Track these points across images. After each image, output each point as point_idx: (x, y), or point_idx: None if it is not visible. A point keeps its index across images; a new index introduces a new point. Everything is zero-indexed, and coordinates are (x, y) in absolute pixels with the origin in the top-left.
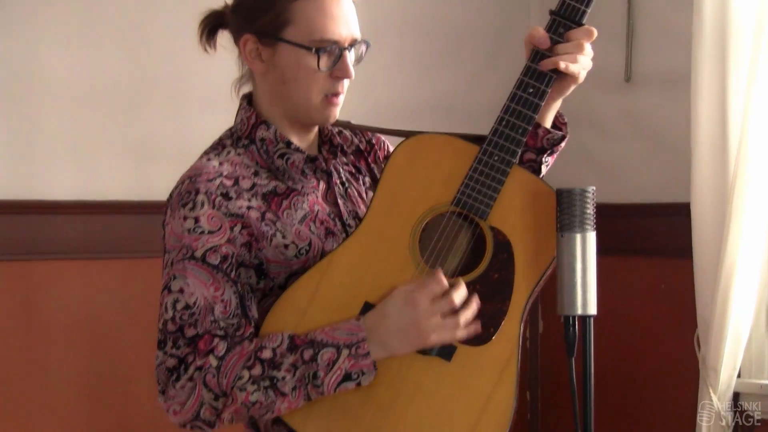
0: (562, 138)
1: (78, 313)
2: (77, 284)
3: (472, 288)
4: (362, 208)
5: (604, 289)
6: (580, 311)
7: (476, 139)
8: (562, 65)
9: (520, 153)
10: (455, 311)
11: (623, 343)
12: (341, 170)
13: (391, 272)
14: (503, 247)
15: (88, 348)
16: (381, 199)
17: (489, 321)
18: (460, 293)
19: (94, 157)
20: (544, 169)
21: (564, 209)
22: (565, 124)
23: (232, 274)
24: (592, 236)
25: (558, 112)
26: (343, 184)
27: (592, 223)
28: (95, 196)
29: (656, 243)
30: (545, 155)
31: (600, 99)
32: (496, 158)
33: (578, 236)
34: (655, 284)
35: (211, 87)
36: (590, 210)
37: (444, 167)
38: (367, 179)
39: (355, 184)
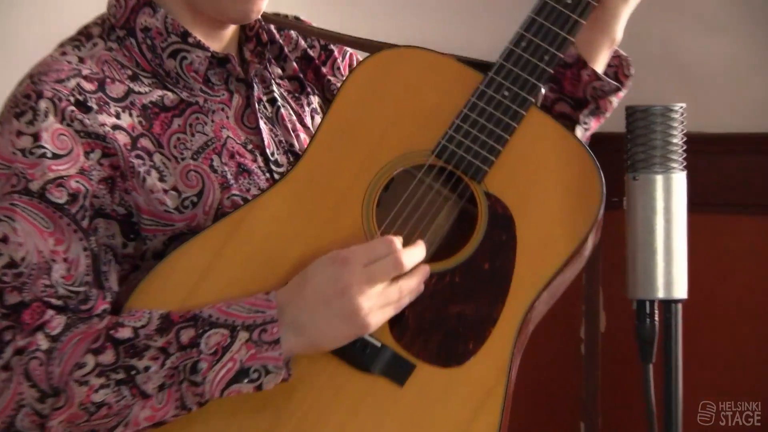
0: (616, 90)
1: None
2: None
3: (449, 279)
4: (302, 141)
5: (696, 262)
6: (662, 294)
7: (480, 66)
8: None
9: (542, 92)
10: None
11: (726, 341)
12: (272, 82)
13: (330, 242)
14: (502, 223)
15: None
16: (329, 134)
17: (468, 330)
18: (413, 251)
19: None
20: (579, 133)
21: (637, 137)
22: (628, 76)
23: (84, 223)
24: (680, 179)
25: (621, 54)
26: (272, 101)
27: (681, 160)
28: None
29: None
30: (586, 111)
31: None
32: (506, 93)
33: (660, 179)
34: None
35: None
36: (678, 139)
37: (427, 99)
38: (314, 99)
39: (293, 104)
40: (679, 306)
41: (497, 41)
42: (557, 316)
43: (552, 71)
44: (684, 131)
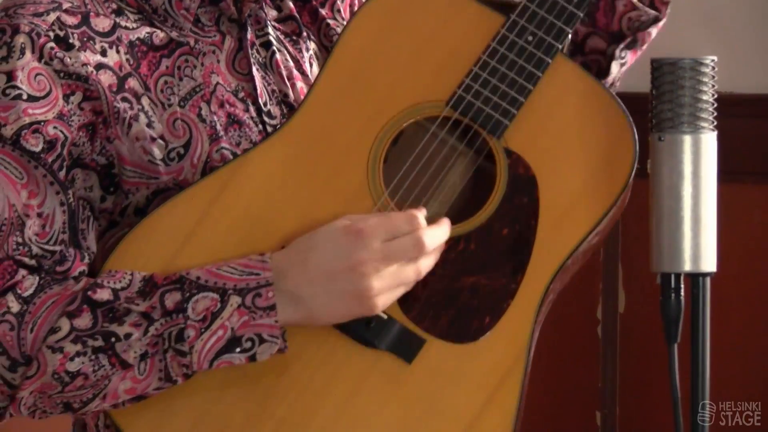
0: (655, 20)
1: None
2: None
3: (463, 246)
4: (298, 90)
5: (726, 233)
6: (689, 266)
7: (502, 6)
8: None
9: (570, 35)
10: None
11: (758, 322)
12: (268, 24)
13: (331, 203)
14: (524, 185)
15: None
16: (330, 84)
17: (483, 303)
18: (437, 232)
19: None
20: (615, 69)
21: (663, 93)
22: (665, 2)
23: (61, 174)
24: (710, 140)
25: None
26: (266, 45)
27: (712, 120)
28: None
29: None
30: (623, 45)
31: None
32: (529, 39)
33: (688, 139)
34: None
35: None
36: (709, 96)
37: (441, 44)
38: (312, 45)
39: (290, 48)
40: (708, 280)
41: None
42: (572, 295)
43: (582, 14)
44: (715, 87)
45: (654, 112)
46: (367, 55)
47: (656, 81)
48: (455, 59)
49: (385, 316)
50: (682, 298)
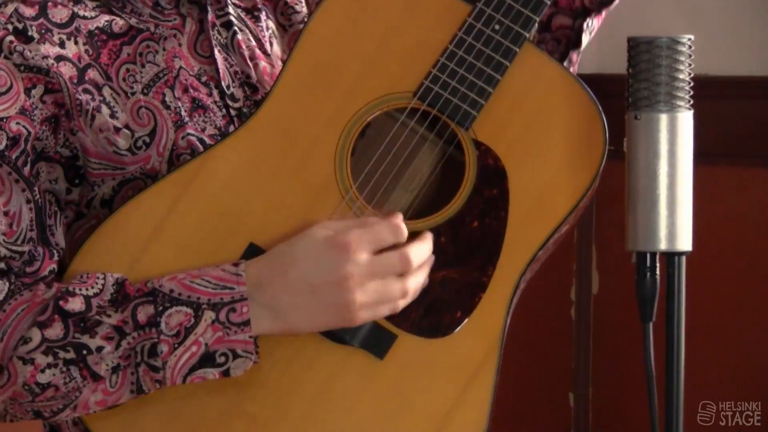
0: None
1: None
2: None
3: (433, 239)
4: (261, 71)
5: (702, 215)
6: (664, 245)
7: None
8: None
9: (536, 26)
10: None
11: (733, 300)
12: (228, 3)
13: (299, 196)
14: (493, 176)
15: None
16: (296, 75)
17: (454, 297)
18: (422, 247)
19: None
20: (585, 39)
21: (640, 72)
22: None
23: (26, 170)
24: (686, 119)
25: None
26: (226, 26)
27: (688, 98)
28: None
29: None
30: (589, 20)
31: None
32: (496, 27)
33: (664, 118)
34: None
35: None
36: (685, 75)
37: (408, 33)
38: (270, 24)
39: (252, 27)
40: (683, 259)
41: None
42: (546, 277)
43: (548, 2)
44: (692, 66)
45: (630, 90)
46: (333, 44)
47: (633, 60)
48: (422, 49)
49: None
50: (658, 277)
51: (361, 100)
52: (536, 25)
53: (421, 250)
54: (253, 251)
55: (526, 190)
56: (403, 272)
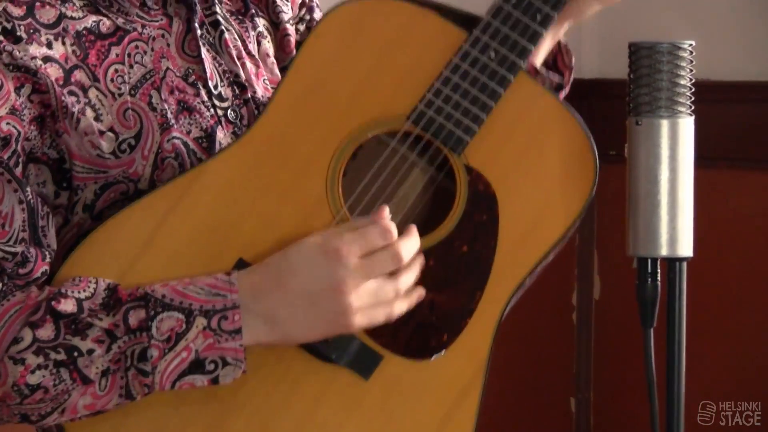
0: (558, 88)
1: None
2: None
3: (422, 262)
4: (248, 70)
5: (703, 219)
6: (665, 251)
7: (465, 21)
8: None
9: (530, 57)
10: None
11: (733, 301)
12: (215, 2)
13: (291, 214)
14: (484, 202)
15: None
16: (291, 94)
17: (442, 321)
18: (410, 241)
19: None
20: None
21: (641, 77)
22: (569, 67)
23: (17, 171)
24: (688, 125)
25: (563, 44)
26: (214, 24)
27: (689, 104)
28: None
29: None
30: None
31: None
32: (492, 55)
33: (665, 124)
34: None
35: None
36: (686, 80)
37: (404, 57)
38: (260, 22)
39: (236, 27)
40: (684, 265)
41: None
42: (547, 282)
43: (545, 32)
44: (693, 72)
45: (631, 96)
46: (328, 65)
47: (634, 65)
48: (416, 73)
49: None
50: (659, 282)
51: (355, 121)
52: (528, 56)
53: (410, 244)
54: (242, 267)
55: (516, 217)
56: (394, 269)
